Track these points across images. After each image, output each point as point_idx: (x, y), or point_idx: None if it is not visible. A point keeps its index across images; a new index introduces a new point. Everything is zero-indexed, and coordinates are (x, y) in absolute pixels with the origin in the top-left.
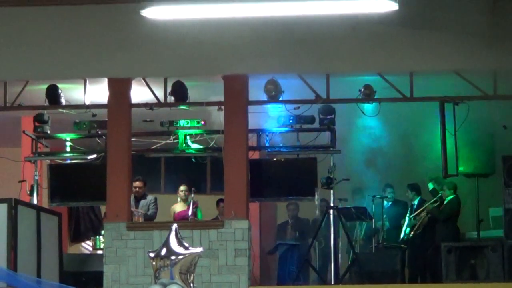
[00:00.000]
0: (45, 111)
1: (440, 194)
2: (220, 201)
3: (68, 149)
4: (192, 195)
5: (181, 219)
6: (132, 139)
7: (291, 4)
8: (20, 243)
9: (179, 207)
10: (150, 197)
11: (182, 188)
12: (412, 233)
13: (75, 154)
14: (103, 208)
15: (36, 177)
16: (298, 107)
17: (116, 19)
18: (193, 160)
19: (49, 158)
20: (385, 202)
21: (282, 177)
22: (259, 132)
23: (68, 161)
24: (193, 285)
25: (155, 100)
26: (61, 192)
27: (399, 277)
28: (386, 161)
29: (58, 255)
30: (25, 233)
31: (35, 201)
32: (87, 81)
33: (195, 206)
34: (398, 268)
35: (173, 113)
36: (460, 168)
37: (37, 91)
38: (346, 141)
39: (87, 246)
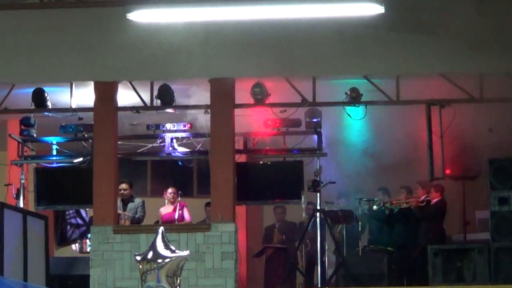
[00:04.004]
0: (32, 115)
1: (427, 197)
2: (208, 204)
3: (54, 152)
4: (179, 198)
5: (168, 221)
6: (119, 142)
7: (278, 8)
8: (7, 247)
9: (165, 209)
10: (137, 200)
11: (170, 190)
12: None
13: (61, 158)
14: (89, 212)
15: (23, 181)
16: (285, 110)
17: (102, 23)
18: (180, 163)
19: (36, 162)
20: (375, 206)
21: (268, 180)
22: (245, 135)
23: (55, 165)
24: None
25: (141, 104)
26: (48, 195)
27: (386, 280)
28: (374, 164)
29: (44, 259)
30: (12, 237)
31: (21, 205)
32: (73, 85)
33: (181, 207)
34: (384, 271)
35: (159, 117)
36: (447, 171)
37: (23, 95)
38: (333, 144)
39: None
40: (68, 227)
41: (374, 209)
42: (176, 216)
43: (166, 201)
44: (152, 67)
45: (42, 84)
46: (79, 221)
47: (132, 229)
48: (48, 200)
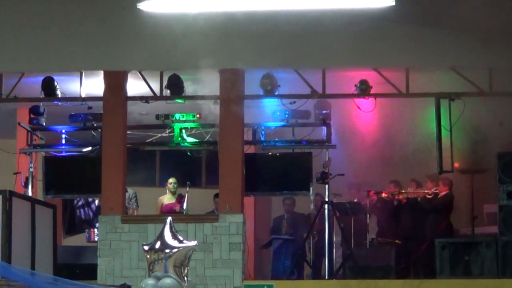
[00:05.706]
0: (41, 103)
1: (435, 190)
2: (216, 196)
3: (63, 141)
4: (187, 189)
5: (168, 211)
6: (128, 132)
7: None
8: (15, 235)
9: (166, 199)
10: (130, 191)
11: (171, 180)
12: None
13: (70, 147)
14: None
15: (31, 169)
16: (294, 102)
17: (113, 12)
18: (189, 153)
19: (44, 150)
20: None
21: (277, 171)
22: (254, 126)
23: (63, 154)
24: (187, 279)
25: (151, 93)
26: (56, 184)
27: (393, 273)
28: (383, 156)
29: (52, 248)
30: (20, 225)
31: (29, 193)
32: (83, 74)
33: (182, 200)
34: (392, 263)
35: (168, 107)
36: (456, 165)
37: (33, 83)
38: (342, 136)
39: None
40: (76, 216)
41: (383, 197)
42: (182, 206)
43: (167, 191)
44: (161, 57)
45: (51, 73)
46: (87, 210)
47: (140, 219)
48: (56, 189)
